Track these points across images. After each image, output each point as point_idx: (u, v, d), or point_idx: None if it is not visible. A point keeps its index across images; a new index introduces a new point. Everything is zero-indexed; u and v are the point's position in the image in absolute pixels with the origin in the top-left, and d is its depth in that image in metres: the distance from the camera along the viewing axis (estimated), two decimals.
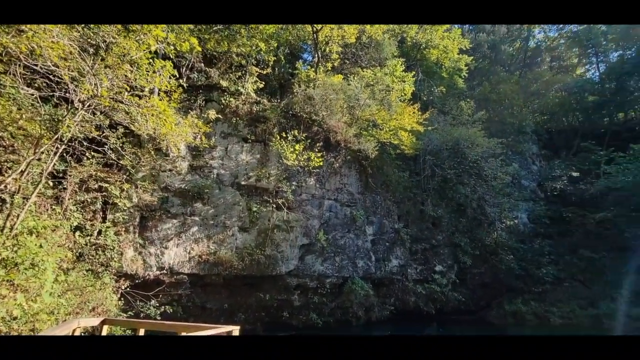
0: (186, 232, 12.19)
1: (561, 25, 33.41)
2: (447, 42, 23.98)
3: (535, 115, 27.71)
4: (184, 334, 4.82)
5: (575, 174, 23.82)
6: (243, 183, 13.90)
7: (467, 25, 31.04)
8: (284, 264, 13.61)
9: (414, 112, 17.68)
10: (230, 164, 13.88)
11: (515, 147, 23.44)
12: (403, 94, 18.80)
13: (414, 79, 21.13)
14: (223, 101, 14.12)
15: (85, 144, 9.40)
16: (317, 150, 14.54)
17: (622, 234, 17.97)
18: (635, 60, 25.88)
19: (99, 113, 8.95)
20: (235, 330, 5.07)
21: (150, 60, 8.11)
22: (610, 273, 17.52)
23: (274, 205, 14.03)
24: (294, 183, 14.82)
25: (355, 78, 17.14)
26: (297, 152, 13.83)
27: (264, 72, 15.72)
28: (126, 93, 8.05)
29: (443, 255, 18.91)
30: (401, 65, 19.99)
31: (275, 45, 16.21)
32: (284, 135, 14.05)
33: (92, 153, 9.90)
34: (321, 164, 14.57)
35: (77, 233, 9.65)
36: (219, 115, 13.71)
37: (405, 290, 17.21)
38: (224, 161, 13.76)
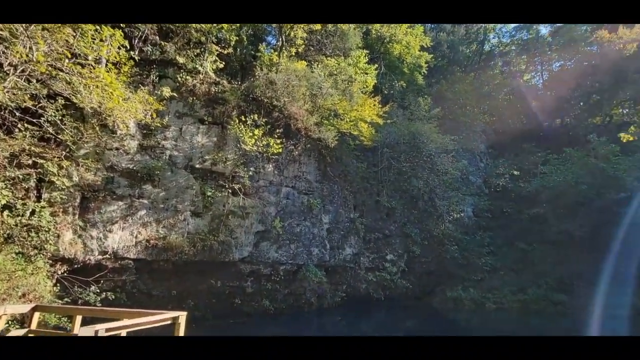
0: (133, 215, 11.53)
1: (513, 32, 35.51)
2: (410, 38, 24.55)
3: (485, 115, 29.39)
4: (126, 320, 4.57)
5: (516, 173, 25.79)
6: (198, 166, 13.38)
7: (428, 24, 31.92)
8: (237, 251, 13.42)
9: (374, 105, 18.00)
10: (185, 146, 13.26)
11: (465, 144, 24.77)
12: (365, 86, 19.04)
13: (376, 71, 21.46)
14: (179, 79, 13.37)
15: (17, 114, 8.47)
16: (276, 136, 14.33)
17: (551, 229, 19.86)
18: (571, 70, 28.28)
19: (34, 81, 8.07)
20: (182, 316, 4.91)
21: (98, 27, 7.42)
22: (539, 263, 19.35)
23: (230, 191, 13.69)
24: (251, 169, 14.53)
25: (319, 66, 17.03)
26: (256, 137, 13.55)
27: (225, 51, 15.08)
28: (67, 60, 7.31)
29: (395, 244, 19.71)
30: (365, 57, 20.17)
31: (238, 24, 15.58)
32: (243, 119, 13.67)
33: (26, 125, 8.95)
34: (280, 150, 14.42)
35: (6, 212, 8.75)
36: (174, 94, 12.98)
37: (357, 278, 17.77)
38: (178, 142, 13.12)
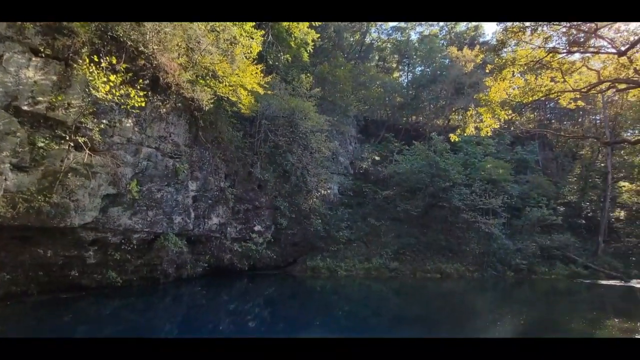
0: None
1: (390, 32, 39.25)
2: None
3: (359, 103, 32.06)
4: None
5: (377, 158, 29.24)
6: (26, 108, 10.58)
7: None
8: (78, 215, 11.40)
9: (257, 73, 17.42)
10: (7, 80, 10.27)
11: (338, 127, 26.63)
12: (249, 51, 18.18)
13: (263, 39, 20.71)
14: None
15: None
16: (140, 88, 12.44)
17: (396, 208, 23.47)
18: (429, 77, 33.26)
19: None
20: None
21: None
22: (384, 236, 22.76)
23: (72, 144, 11.36)
24: (103, 121, 12.30)
25: None
26: (112, 84, 11.46)
27: None
28: None
29: (263, 216, 20.06)
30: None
31: None
32: (97, 59, 11.33)
33: None
34: (144, 104, 12.62)
35: None
36: None
37: (222, 248, 17.48)
38: None
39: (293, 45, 25.57)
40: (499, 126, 14.15)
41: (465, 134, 14.56)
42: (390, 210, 24.17)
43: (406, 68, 39.77)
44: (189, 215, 15.43)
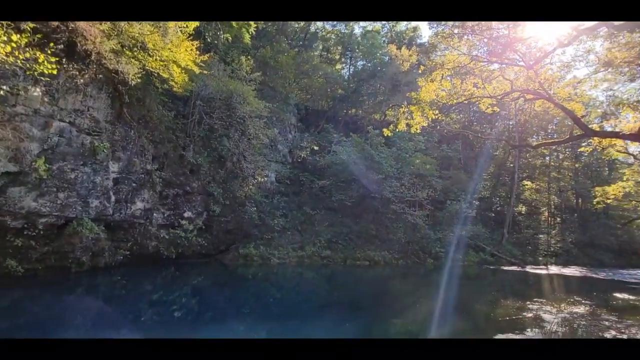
0: None
1: (335, 23, 39.45)
2: None
3: (300, 92, 32.03)
4: None
5: (315, 148, 29.53)
6: None
7: None
8: None
9: (192, 50, 16.35)
10: None
11: (278, 114, 26.31)
12: (185, 25, 16.95)
13: None
14: None
15: None
16: (51, 53, 10.91)
17: (331, 197, 24.08)
18: (369, 72, 34.31)
19: None
20: None
21: None
22: (318, 225, 23.27)
23: None
24: (3, 87, 10.64)
25: None
26: (14, 44, 9.88)
27: None
28: None
29: (195, 202, 19.17)
30: None
31: None
32: None
33: None
34: (55, 72, 11.10)
35: None
36: None
37: (146, 235, 16.39)
38: None
39: (234, 24, 24.44)
40: (427, 124, 15.15)
41: (398, 130, 15.33)
42: (325, 199, 24.72)
43: (349, 61, 40.45)
44: (108, 198, 14.14)
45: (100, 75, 13.66)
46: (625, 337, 5.00)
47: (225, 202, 20.82)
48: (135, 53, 14.31)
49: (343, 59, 42.13)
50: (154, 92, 16.87)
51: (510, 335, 7.18)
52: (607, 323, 8.67)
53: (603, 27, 10.53)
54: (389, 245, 23.55)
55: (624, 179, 17.65)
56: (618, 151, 15.92)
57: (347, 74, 39.73)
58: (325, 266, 20.42)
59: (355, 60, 39.81)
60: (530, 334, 7.41)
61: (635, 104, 12.00)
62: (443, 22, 12.03)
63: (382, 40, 35.01)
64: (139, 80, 14.14)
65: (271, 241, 21.42)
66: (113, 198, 14.40)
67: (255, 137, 21.80)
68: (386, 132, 15.24)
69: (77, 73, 12.83)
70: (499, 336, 7.12)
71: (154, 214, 16.96)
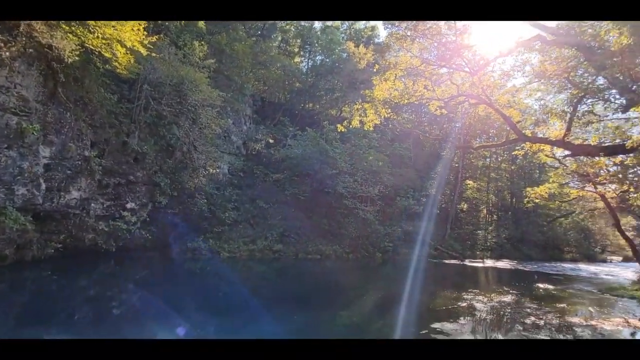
0: None
1: None
2: None
3: (257, 82, 31.31)
4: None
5: (271, 141, 29.17)
6: None
7: None
8: None
9: (139, 29, 15.25)
10: None
11: (233, 104, 25.53)
12: None
13: None
14: None
15: None
16: None
17: (285, 191, 23.98)
18: (327, 67, 34.47)
19: None
20: None
21: None
22: (271, 219, 23.06)
23: None
24: None
25: None
26: None
27: None
28: None
29: (139, 192, 18.09)
30: None
31: None
32: None
33: None
34: None
35: None
36: None
37: (82, 227, 15.20)
38: None
39: None
40: (380, 122, 15.57)
41: (351, 126, 15.60)
42: (279, 193, 24.55)
43: (307, 55, 40.29)
44: (37, 186, 12.86)
45: (30, 50, 12.30)
46: (624, 338, 5.28)
47: (173, 193, 19.89)
48: (73, 28, 13.05)
49: (302, 53, 41.88)
50: (95, 73, 15.56)
51: (445, 324, 7.68)
52: (528, 310, 9.63)
53: (538, 41, 11.50)
54: (340, 240, 24.02)
55: (550, 181, 19.49)
56: (546, 155, 17.51)
57: (306, 67, 39.59)
58: (276, 260, 20.34)
59: (314, 54, 39.75)
60: (462, 321, 7.98)
61: (561, 113, 13.30)
62: (397, 23, 12.38)
63: (341, 37, 35.30)
64: (76, 58, 12.93)
65: (221, 234, 20.86)
66: (43, 186, 13.12)
67: (208, 127, 20.99)
68: (340, 127, 15.44)
69: (3, 45, 11.43)
70: (437, 325, 7.58)
71: (92, 204, 15.76)
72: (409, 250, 26.71)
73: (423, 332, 7.20)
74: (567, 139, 12.07)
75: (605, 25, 8.48)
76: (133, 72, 16.78)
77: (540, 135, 14.92)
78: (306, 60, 40.74)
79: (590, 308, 10.75)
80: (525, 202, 27.06)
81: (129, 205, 17.42)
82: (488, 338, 5.29)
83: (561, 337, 6.84)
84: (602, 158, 12.03)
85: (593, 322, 8.52)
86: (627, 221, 40.69)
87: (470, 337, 6.44)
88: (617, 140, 11.98)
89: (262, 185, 25.13)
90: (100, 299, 10.75)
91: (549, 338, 4.98)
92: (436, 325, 7.65)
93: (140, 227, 17.82)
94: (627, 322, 8.79)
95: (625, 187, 17.57)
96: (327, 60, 37.12)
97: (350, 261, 22.72)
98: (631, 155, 9.01)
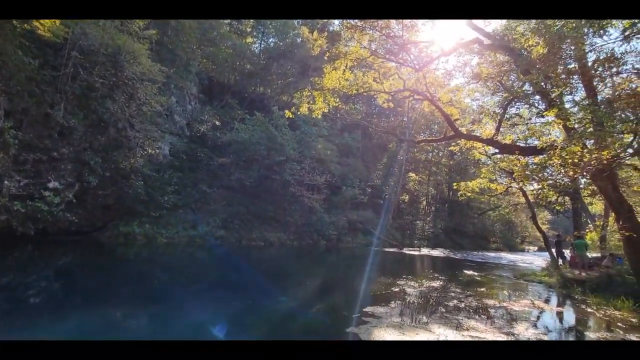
0: None
1: None
2: None
3: (205, 60, 29.68)
4: None
5: (217, 123, 28.00)
6: None
7: None
8: None
9: None
10: None
11: (177, 81, 24.03)
12: None
13: None
14: None
15: None
16: None
17: (230, 176, 23.29)
18: (280, 51, 33.72)
19: None
20: None
21: None
22: (214, 204, 22.32)
23: None
24: None
25: None
26: None
27: None
28: None
29: (64, 171, 16.41)
30: None
31: None
32: None
33: None
34: None
35: None
36: None
37: None
38: None
39: None
40: (327, 111, 15.64)
41: (300, 113, 15.48)
42: (224, 178, 23.78)
43: (260, 36, 39.00)
44: None
45: None
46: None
47: (104, 173, 18.32)
48: None
49: (254, 33, 40.43)
50: (11, 32, 13.62)
51: (378, 308, 8.05)
52: (452, 294, 10.45)
53: (476, 44, 12.22)
54: (285, 227, 24.01)
55: (482, 176, 21.15)
56: (480, 153, 18.92)
57: (258, 49, 38.35)
58: (218, 246, 19.79)
59: (267, 36, 38.61)
60: (393, 305, 8.43)
61: (493, 114, 14.39)
62: None
63: (296, 21, 34.58)
64: None
65: (159, 219, 19.77)
66: None
67: (147, 104, 19.56)
68: (288, 113, 15.23)
69: None
70: (369, 309, 7.91)
71: (5, 182, 14.04)
72: (352, 238, 27.56)
73: (355, 315, 7.48)
74: (496, 138, 13.09)
75: (529, 34, 9.23)
76: (59, 35, 15.02)
77: (475, 134, 16.04)
78: (259, 41, 39.45)
79: (505, 292, 11.96)
80: (459, 195, 29.17)
81: (51, 185, 15.75)
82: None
83: (501, 322, 7.49)
84: (523, 157, 13.27)
85: (505, 304, 9.50)
86: (544, 215, 45.92)
87: (440, 326, 6.79)
88: (537, 142, 13.29)
89: (206, 168, 24.13)
90: (12, 289, 9.64)
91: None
92: (368, 309, 7.99)
93: (65, 209, 16.22)
94: (533, 303, 9.92)
95: (541, 185, 19.60)
96: (281, 43, 36.25)
97: (295, 248, 22.86)
98: (542, 155, 10.06)
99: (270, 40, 38.39)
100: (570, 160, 8.18)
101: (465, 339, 5.54)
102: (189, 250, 18.34)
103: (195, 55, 26.39)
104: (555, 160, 8.83)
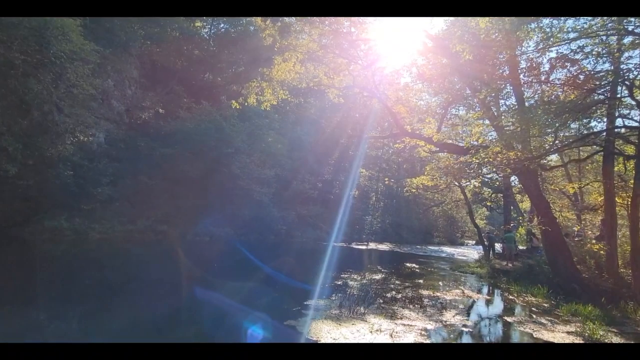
0: None
1: None
2: None
3: (147, 42, 27.55)
4: None
5: (161, 111, 26.38)
6: None
7: None
8: None
9: None
10: None
11: (115, 63, 22.16)
12: None
13: None
14: None
15: None
16: None
17: (174, 168, 22.09)
18: (231, 38, 32.50)
19: None
20: None
21: None
22: (156, 197, 21.04)
23: None
24: None
25: None
26: None
27: None
28: None
29: None
30: None
31: None
32: None
33: None
34: None
35: None
36: None
37: None
38: None
39: None
40: (277, 103, 15.37)
41: (247, 104, 15.03)
42: (167, 169, 22.45)
43: (210, 20, 37.22)
44: None
45: None
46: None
47: (26, 161, 16.45)
48: None
49: (206, 22, 38.55)
50: None
51: (319, 301, 8.10)
52: (392, 286, 10.87)
53: (421, 45, 12.67)
54: (232, 221, 23.36)
55: (426, 173, 22.17)
56: (424, 151, 19.79)
57: (208, 34, 36.60)
58: (159, 242, 18.68)
59: (217, 21, 36.93)
60: (333, 297, 8.55)
61: (435, 113, 15.12)
62: None
63: None
64: None
65: (92, 213, 18.20)
66: None
67: (78, 86, 17.82)
68: (234, 104, 14.73)
69: None
70: (310, 302, 7.92)
71: None
72: (302, 233, 27.60)
73: (295, 308, 7.45)
74: (437, 137, 13.75)
75: (457, 39, 9.73)
76: None
77: (419, 132, 16.74)
78: (209, 26, 37.64)
79: (439, 282, 12.68)
80: (405, 191, 30.40)
81: None
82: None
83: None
84: (460, 156, 14.10)
85: (438, 294, 10.07)
86: (482, 212, 49.64)
87: (375, 316, 6.87)
88: (474, 142, 14.20)
89: (148, 159, 22.59)
90: None
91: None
92: (309, 302, 8.01)
93: None
94: (464, 292, 10.63)
95: (478, 182, 21.00)
96: (232, 30, 34.89)
97: (242, 243, 22.32)
98: (469, 155, 10.80)
99: (222, 26, 36.79)
100: (497, 160, 8.80)
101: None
102: (126, 246, 17.11)
103: (136, 36, 24.45)
104: (475, 160, 9.47)
